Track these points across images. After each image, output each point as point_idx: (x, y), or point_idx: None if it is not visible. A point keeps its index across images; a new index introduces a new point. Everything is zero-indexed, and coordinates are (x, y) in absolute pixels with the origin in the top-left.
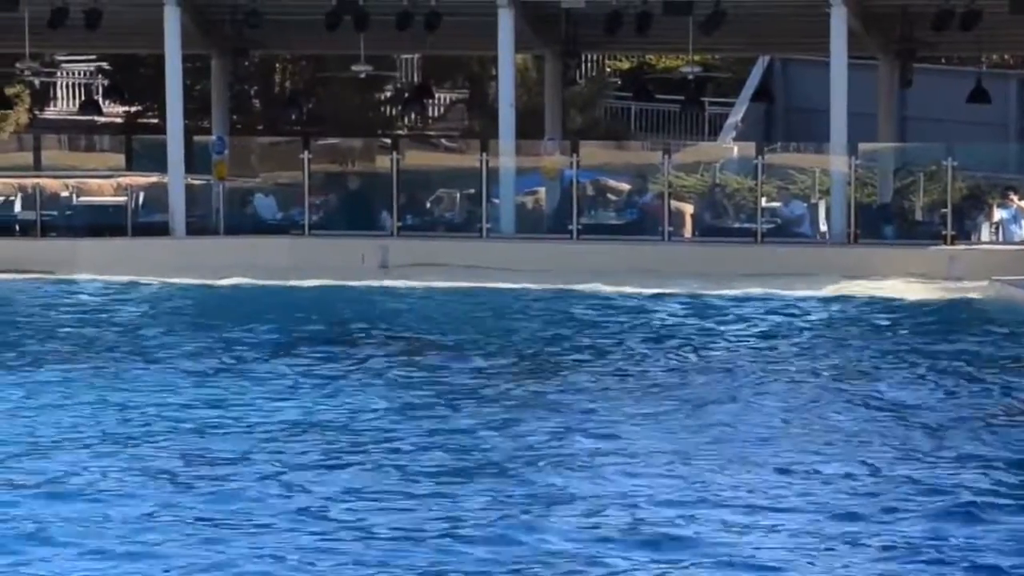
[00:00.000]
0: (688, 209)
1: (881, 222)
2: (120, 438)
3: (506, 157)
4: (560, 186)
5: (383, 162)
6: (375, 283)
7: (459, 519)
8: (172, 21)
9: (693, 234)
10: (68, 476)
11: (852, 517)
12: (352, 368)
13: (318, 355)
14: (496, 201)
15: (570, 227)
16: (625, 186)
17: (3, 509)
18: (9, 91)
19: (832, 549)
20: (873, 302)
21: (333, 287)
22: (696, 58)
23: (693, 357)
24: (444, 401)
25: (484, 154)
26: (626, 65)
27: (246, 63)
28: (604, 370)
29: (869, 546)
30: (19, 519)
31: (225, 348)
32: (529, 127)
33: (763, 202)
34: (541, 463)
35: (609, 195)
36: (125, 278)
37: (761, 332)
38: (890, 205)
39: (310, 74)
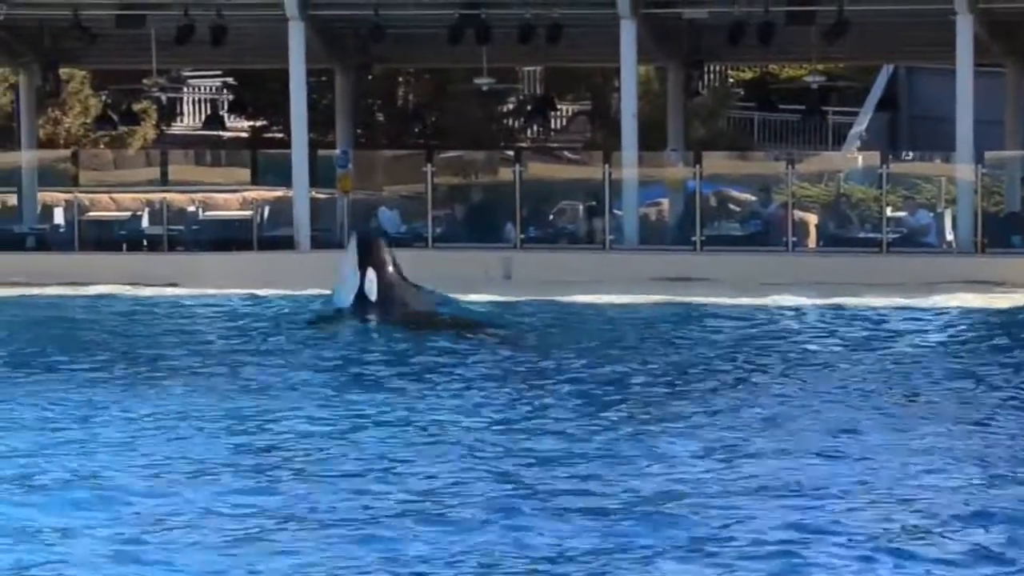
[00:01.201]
0: (812, 219)
1: (1009, 231)
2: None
3: (629, 168)
4: (683, 197)
5: (506, 174)
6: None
7: None
8: (296, 36)
9: (817, 244)
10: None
11: None
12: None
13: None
14: (619, 213)
15: (693, 238)
16: (748, 197)
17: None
18: (136, 107)
19: None
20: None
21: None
22: (819, 67)
23: (857, 369)
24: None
25: (607, 166)
26: (749, 75)
27: (369, 77)
28: (775, 382)
29: None
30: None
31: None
32: (652, 138)
33: (888, 212)
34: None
35: (732, 206)
36: (252, 291)
37: (910, 342)
38: (1018, 214)
39: (433, 87)
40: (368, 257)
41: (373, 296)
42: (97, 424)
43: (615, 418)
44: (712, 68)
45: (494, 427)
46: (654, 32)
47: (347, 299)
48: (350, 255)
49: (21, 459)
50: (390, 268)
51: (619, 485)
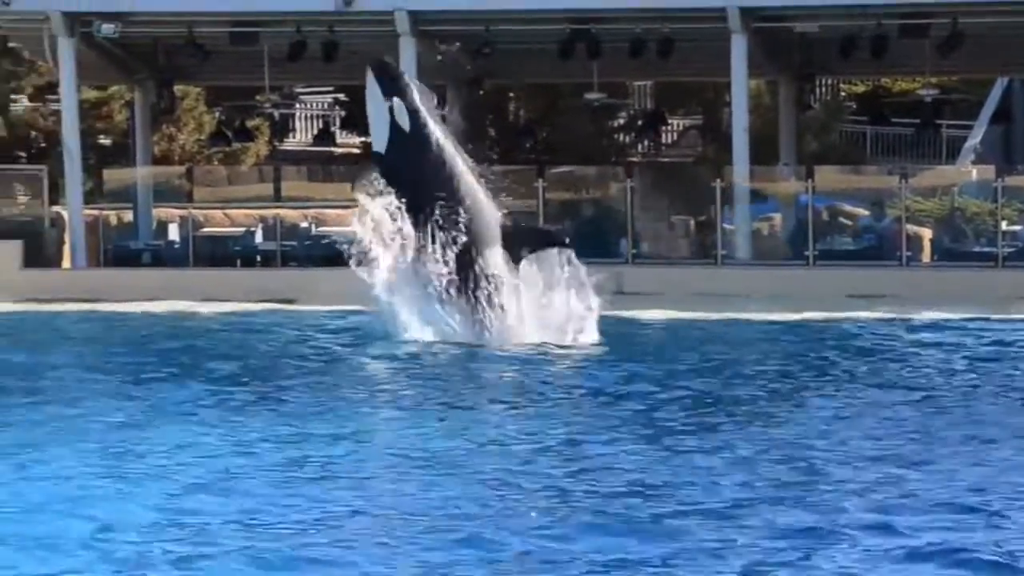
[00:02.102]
0: (926, 234)
1: None
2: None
3: (740, 183)
4: (795, 212)
5: (617, 189)
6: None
7: None
8: (408, 52)
9: (932, 259)
10: None
11: None
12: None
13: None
14: (730, 227)
15: (806, 253)
16: (861, 211)
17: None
18: (250, 123)
19: None
20: None
21: None
22: (933, 80)
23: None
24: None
25: (718, 180)
26: (861, 89)
27: (480, 92)
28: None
29: None
30: None
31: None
32: (763, 152)
33: (1003, 225)
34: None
35: (845, 220)
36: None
37: None
38: None
39: (544, 103)
40: (389, 83)
41: (406, 125)
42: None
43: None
44: (824, 81)
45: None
46: (765, 46)
47: (382, 142)
48: (372, 92)
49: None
50: (415, 95)
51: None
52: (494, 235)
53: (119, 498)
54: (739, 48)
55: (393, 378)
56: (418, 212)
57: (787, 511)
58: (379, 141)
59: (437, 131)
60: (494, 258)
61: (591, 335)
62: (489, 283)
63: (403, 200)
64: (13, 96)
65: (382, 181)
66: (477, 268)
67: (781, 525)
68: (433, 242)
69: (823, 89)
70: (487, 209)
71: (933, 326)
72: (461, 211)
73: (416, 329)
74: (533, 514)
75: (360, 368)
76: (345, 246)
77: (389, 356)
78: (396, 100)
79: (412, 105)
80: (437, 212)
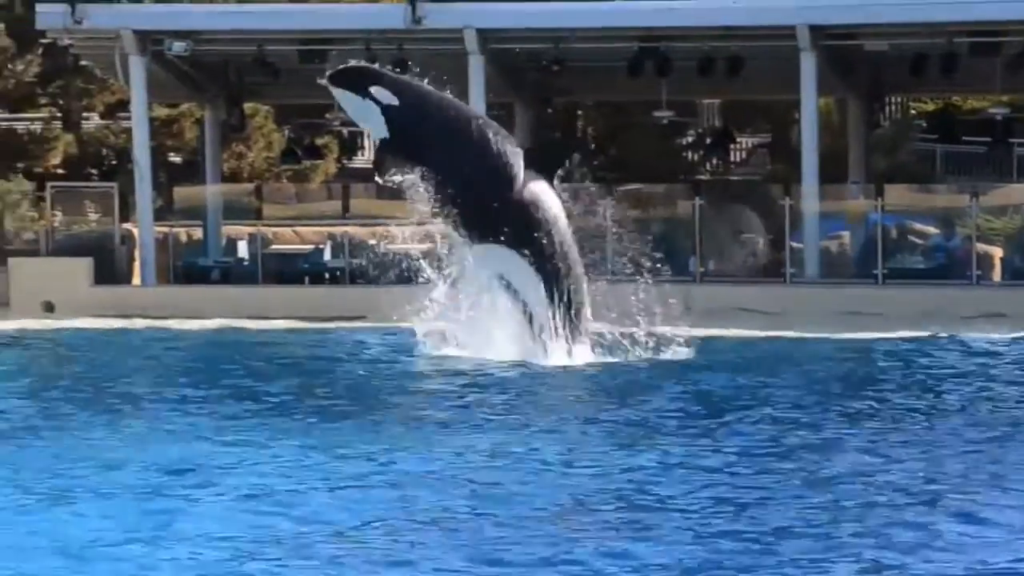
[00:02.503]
0: (997, 252)
1: None
2: None
3: (809, 201)
4: (865, 230)
5: (685, 207)
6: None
7: None
8: (476, 70)
9: (1002, 278)
10: None
11: None
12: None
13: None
14: (799, 245)
15: (875, 271)
16: (931, 229)
17: None
18: (319, 141)
19: None
20: None
21: None
22: (1004, 98)
23: None
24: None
25: (787, 198)
26: (931, 107)
27: (549, 110)
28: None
29: None
30: None
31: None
32: (832, 170)
33: None
34: None
35: (915, 239)
36: None
37: None
38: None
39: (612, 120)
40: (353, 82)
41: (394, 99)
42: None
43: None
44: (893, 100)
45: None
46: (834, 64)
47: (381, 128)
48: (346, 102)
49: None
50: (380, 70)
51: None
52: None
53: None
54: (808, 66)
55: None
56: (441, 172)
57: None
58: (379, 129)
59: (424, 87)
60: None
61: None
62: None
63: (425, 170)
64: (85, 114)
65: (400, 164)
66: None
67: None
68: (460, 204)
69: (893, 107)
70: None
71: (997, 344)
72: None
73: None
74: None
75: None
76: (411, 263)
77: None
78: (371, 89)
79: (386, 79)
80: (456, 167)
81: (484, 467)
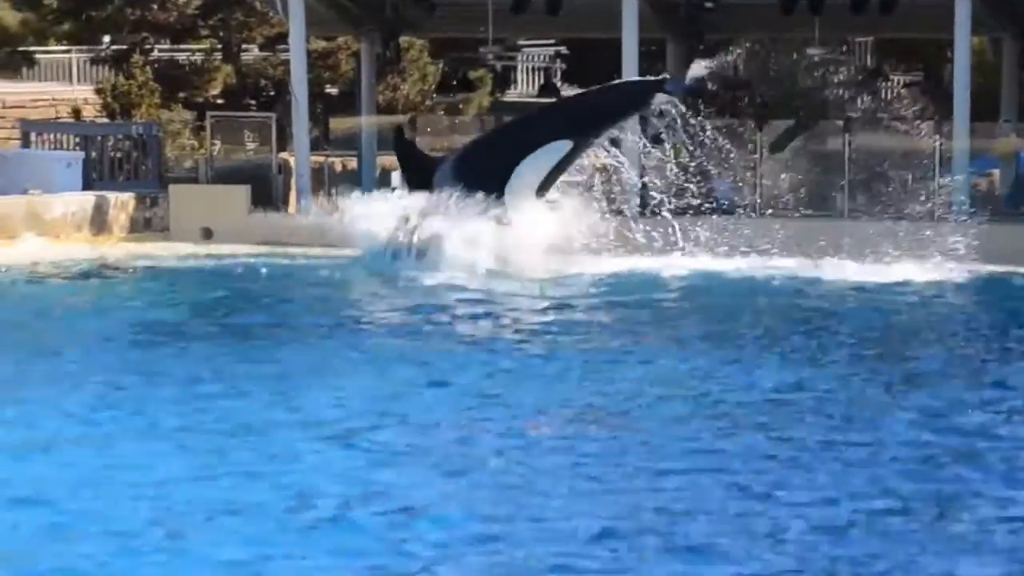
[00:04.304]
0: None
1: None
2: None
3: (960, 139)
4: (1016, 168)
5: (835, 144)
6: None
7: None
8: (630, 7)
9: None
10: None
11: None
12: None
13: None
14: (949, 183)
15: (1023, 209)
16: None
17: None
18: (472, 75)
19: None
20: None
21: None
22: None
23: None
24: None
25: (938, 137)
26: None
27: (700, 47)
28: None
29: None
30: None
31: None
32: (984, 109)
33: None
34: None
35: None
36: None
37: None
38: None
39: (764, 57)
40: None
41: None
42: None
43: None
44: None
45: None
46: (989, 2)
47: None
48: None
49: None
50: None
51: None
52: None
53: None
54: (963, 5)
55: None
56: None
57: None
58: None
59: None
60: None
61: None
62: None
63: None
64: (244, 46)
65: None
66: None
67: None
68: None
69: None
70: None
71: None
72: None
73: None
74: None
75: None
76: None
77: None
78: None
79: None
80: None
81: None
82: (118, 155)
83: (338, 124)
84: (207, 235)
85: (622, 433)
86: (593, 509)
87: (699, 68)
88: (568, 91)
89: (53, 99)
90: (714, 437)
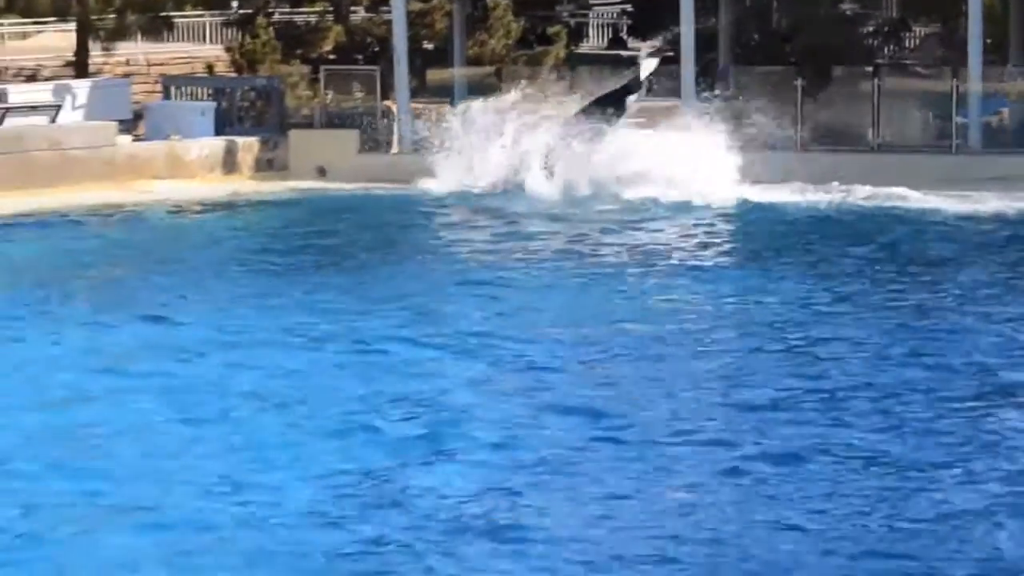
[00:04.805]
0: None
1: None
2: None
3: (974, 82)
4: (1023, 106)
5: (866, 87)
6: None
7: None
8: None
9: None
10: None
11: None
12: None
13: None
14: (964, 120)
15: None
16: None
17: None
18: (550, 30)
19: None
20: None
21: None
22: None
23: None
24: None
25: (955, 80)
26: None
27: (747, 3)
28: None
29: None
30: None
31: None
32: (995, 56)
33: None
34: None
35: None
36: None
37: None
38: None
39: (803, 11)
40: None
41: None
42: None
43: None
44: None
45: None
46: None
47: None
48: None
49: None
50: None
51: None
52: None
53: None
54: None
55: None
56: None
57: None
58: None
59: None
60: None
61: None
62: None
63: None
64: (352, 8)
65: None
66: None
67: None
68: None
69: None
70: None
71: None
72: None
73: None
74: None
75: None
76: None
77: None
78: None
79: None
80: None
81: None
82: (245, 104)
83: (434, 75)
84: (321, 173)
85: None
86: None
87: (650, 64)
88: (634, 44)
89: (190, 57)
90: None
